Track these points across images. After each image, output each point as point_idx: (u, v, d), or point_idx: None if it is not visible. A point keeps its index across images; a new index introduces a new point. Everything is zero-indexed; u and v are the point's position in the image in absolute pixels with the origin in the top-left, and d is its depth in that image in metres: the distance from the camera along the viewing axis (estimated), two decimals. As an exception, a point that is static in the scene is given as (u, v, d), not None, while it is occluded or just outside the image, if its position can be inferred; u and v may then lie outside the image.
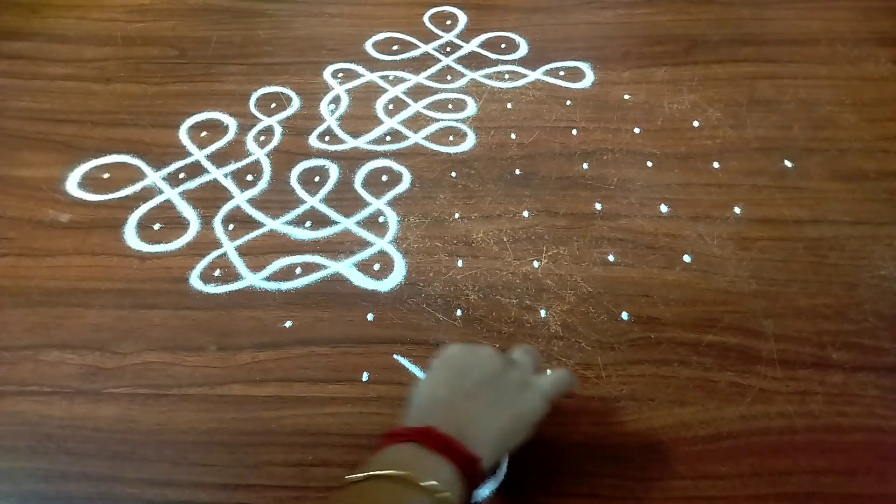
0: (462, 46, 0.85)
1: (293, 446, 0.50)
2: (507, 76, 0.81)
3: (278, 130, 0.75)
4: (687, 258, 0.60)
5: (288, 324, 0.57)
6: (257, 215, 0.66)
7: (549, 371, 0.46)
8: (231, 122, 0.76)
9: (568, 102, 0.77)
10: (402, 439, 0.38)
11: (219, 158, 0.72)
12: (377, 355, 0.55)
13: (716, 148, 0.70)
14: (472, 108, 0.77)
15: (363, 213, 0.66)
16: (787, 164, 0.68)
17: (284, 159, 0.71)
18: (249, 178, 0.70)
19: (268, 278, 0.61)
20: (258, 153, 0.72)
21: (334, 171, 0.70)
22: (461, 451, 0.37)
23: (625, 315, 0.57)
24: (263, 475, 0.48)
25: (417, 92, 0.79)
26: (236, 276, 0.61)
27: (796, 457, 0.48)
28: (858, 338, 0.54)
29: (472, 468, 0.37)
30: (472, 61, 0.83)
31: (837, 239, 0.61)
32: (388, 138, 0.73)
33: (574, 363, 0.54)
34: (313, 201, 0.67)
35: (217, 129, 0.75)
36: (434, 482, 0.35)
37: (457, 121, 0.75)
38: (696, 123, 0.73)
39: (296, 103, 0.78)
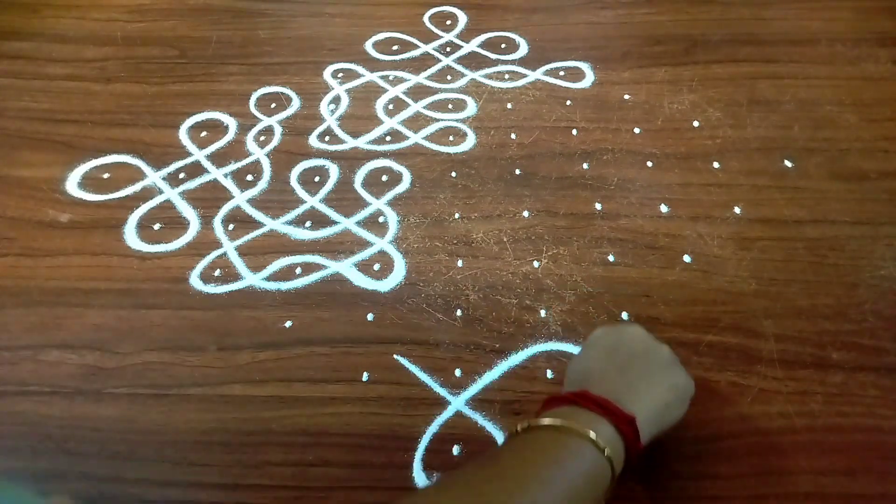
0: (462, 46, 0.85)
1: (293, 446, 0.50)
2: (507, 76, 0.81)
3: (278, 130, 0.75)
4: (687, 258, 0.60)
5: (288, 324, 0.57)
6: (257, 215, 0.66)
7: None
8: (231, 122, 0.76)
9: (568, 102, 0.77)
10: (559, 403, 0.39)
11: (219, 158, 0.72)
12: (377, 355, 0.55)
13: (716, 148, 0.70)
14: (472, 108, 0.77)
15: (363, 213, 0.66)
16: (787, 164, 0.68)
17: (284, 159, 0.71)
18: (249, 178, 0.70)
19: (268, 278, 0.61)
20: (258, 153, 0.72)
21: (334, 171, 0.70)
22: (617, 411, 0.38)
23: (625, 315, 0.57)
24: (263, 475, 0.48)
25: (417, 92, 0.79)
26: (236, 276, 0.61)
27: (796, 457, 0.48)
28: (858, 338, 0.54)
29: (629, 427, 0.38)
30: (472, 61, 0.83)
31: (837, 239, 0.61)
32: (388, 138, 0.73)
33: (574, 363, 0.54)
34: (313, 201, 0.67)
35: (217, 129, 0.75)
36: (593, 434, 0.36)
37: (457, 121, 0.75)
38: (696, 123, 0.73)
39: (296, 103, 0.78)
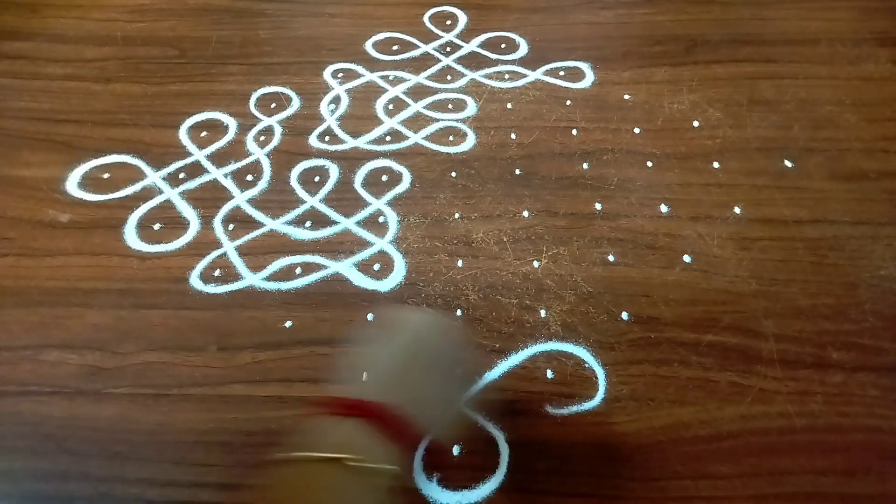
0: (462, 46, 0.85)
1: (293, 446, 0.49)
2: (507, 76, 0.81)
3: (278, 130, 0.75)
4: (687, 258, 0.60)
5: (288, 324, 0.57)
6: (257, 215, 0.66)
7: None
8: (231, 122, 0.76)
9: (568, 102, 0.77)
10: (354, 413, 0.36)
11: (219, 158, 0.72)
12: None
13: (716, 148, 0.70)
14: (472, 108, 0.77)
15: (363, 213, 0.66)
16: (787, 164, 0.68)
17: (284, 159, 0.71)
18: (249, 178, 0.70)
19: (268, 278, 0.61)
20: (258, 153, 0.72)
21: (334, 171, 0.70)
22: (404, 429, 0.36)
23: (625, 315, 0.57)
24: (263, 475, 0.48)
25: (417, 92, 0.79)
26: (236, 276, 0.61)
27: (796, 457, 0.48)
28: (858, 338, 0.54)
29: (411, 444, 0.37)
30: (472, 61, 0.83)
31: (837, 239, 0.61)
32: (388, 138, 0.73)
33: (574, 363, 0.54)
34: (313, 201, 0.67)
35: (217, 129, 0.75)
36: (372, 464, 0.34)
37: (457, 121, 0.75)
38: (696, 123, 0.73)
39: (296, 103, 0.78)
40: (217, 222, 0.65)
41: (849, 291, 0.57)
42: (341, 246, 0.63)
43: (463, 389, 0.42)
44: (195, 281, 0.60)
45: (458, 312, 0.57)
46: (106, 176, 0.70)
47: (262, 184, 0.69)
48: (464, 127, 0.74)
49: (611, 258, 0.61)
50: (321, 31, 0.88)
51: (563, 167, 0.69)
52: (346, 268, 0.61)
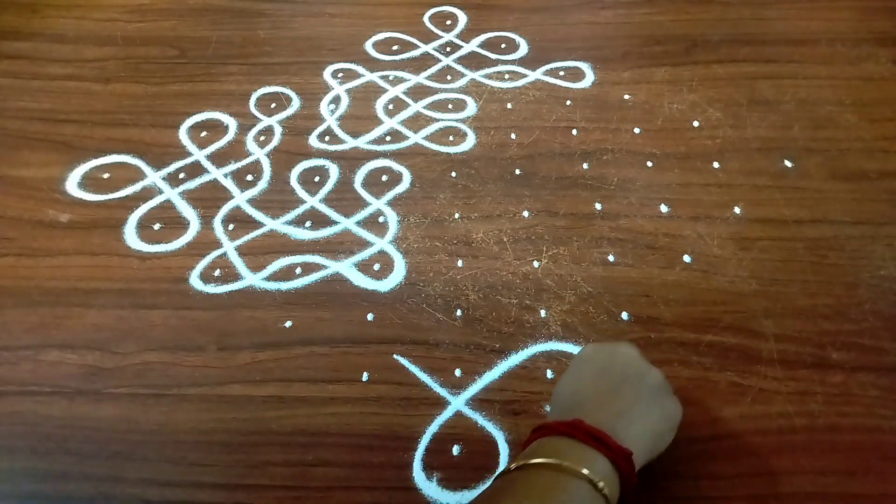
0: (462, 46, 0.85)
1: (293, 446, 0.50)
2: (507, 76, 0.81)
3: (278, 130, 0.75)
4: (687, 258, 0.60)
5: (288, 324, 0.57)
6: (257, 215, 0.66)
7: None
8: (231, 122, 0.76)
9: (568, 102, 0.77)
10: (551, 433, 0.37)
11: (219, 158, 0.72)
12: (377, 355, 0.55)
13: (716, 148, 0.70)
14: (472, 108, 0.77)
15: (363, 213, 0.66)
16: (787, 164, 0.68)
17: (284, 159, 0.71)
18: (249, 178, 0.70)
19: (268, 278, 0.61)
20: (258, 153, 0.72)
21: (334, 171, 0.70)
22: (614, 445, 0.36)
23: (625, 315, 0.57)
24: (263, 475, 0.48)
25: (417, 92, 0.79)
26: (236, 276, 0.61)
27: (796, 457, 0.48)
28: (858, 338, 0.54)
29: (625, 463, 0.36)
30: (472, 61, 0.83)
31: (837, 239, 0.61)
32: (388, 138, 0.73)
33: (574, 363, 0.54)
34: (313, 201, 0.67)
35: (217, 129, 0.75)
36: (588, 471, 0.34)
37: (457, 121, 0.75)
38: (696, 123, 0.73)
39: (296, 103, 0.78)
40: (217, 222, 0.65)
41: (849, 291, 0.57)
42: (341, 246, 0.63)
43: (667, 417, 0.42)
44: (195, 281, 0.60)
45: (458, 312, 0.57)
46: (106, 176, 0.70)
47: (262, 184, 0.69)
48: (464, 127, 0.74)
49: (611, 258, 0.61)
50: (321, 31, 0.88)
51: (563, 167, 0.69)
52: (346, 268, 0.61)
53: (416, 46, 0.85)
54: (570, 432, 0.37)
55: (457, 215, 0.65)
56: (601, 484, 0.34)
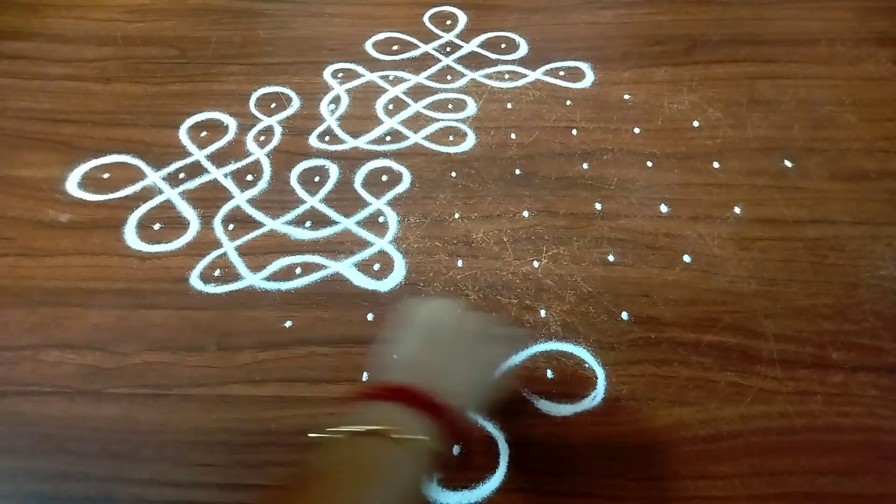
0: (462, 46, 0.85)
1: (293, 446, 0.50)
2: (507, 76, 0.81)
3: (278, 130, 0.75)
4: (687, 258, 0.61)
5: (288, 324, 0.57)
6: (257, 215, 0.66)
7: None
8: (231, 122, 0.76)
9: (568, 102, 0.77)
10: (378, 397, 0.38)
11: (219, 158, 0.72)
12: (377, 355, 0.55)
13: (716, 148, 0.70)
14: (472, 108, 0.77)
15: (363, 213, 0.66)
16: (787, 164, 0.68)
17: (284, 159, 0.71)
18: (249, 178, 0.70)
19: (268, 278, 0.61)
20: (258, 153, 0.72)
21: (334, 171, 0.70)
22: (433, 403, 0.37)
23: (625, 315, 0.57)
24: (263, 475, 0.48)
25: (417, 92, 0.79)
26: (236, 276, 0.61)
27: (796, 457, 0.48)
28: (858, 338, 0.54)
29: (444, 417, 0.37)
30: (472, 61, 0.83)
31: (837, 239, 0.61)
32: (388, 138, 0.73)
33: (574, 363, 0.54)
34: (313, 201, 0.67)
35: (217, 129, 0.75)
36: (408, 435, 0.34)
37: (457, 121, 0.75)
38: (696, 123, 0.73)
39: (296, 103, 0.78)
40: (217, 222, 0.65)
41: (849, 291, 0.57)
42: (341, 246, 0.63)
43: (490, 363, 0.43)
44: (195, 281, 0.60)
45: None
46: (106, 176, 0.70)
47: (262, 184, 0.69)
48: (464, 127, 0.74)
49: (611, 258, 0.61)
50: (321, 31, 0.88)
51: (563, 167, 0.69)
52: (346, 268, 0.61)
53: (416, 46, 0.85)
54: (397, 398, 0.37)
55: (457, 215, 0.65)
56: (421, 438, 0.35)
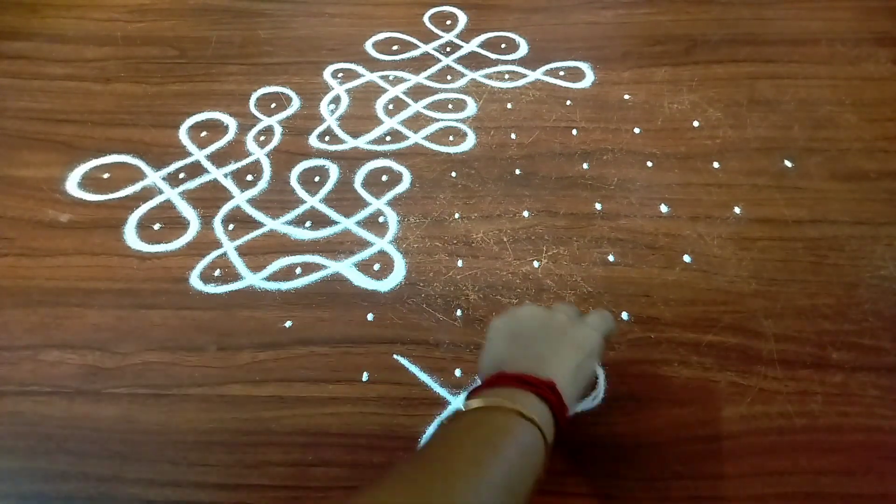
0: (462, 46, 0.85)
1: (293, 446, 0.50)
2: (507, 76, 0.81)
3: (278, 130, 0.75)
4: (687, 258, 0.60)
5: (288, 324, 0.57)
6: (257, 215, 0.66)
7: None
8: (231, 122, 0.76)
9: (568, 102, 0.77)
10: (478, 393, 0.40)
11: (219, 158, 0.72)
12: (377, 355, 0.55)
13: (716, 148, 0.70)
14: (472, 108, 0.77)
15: (363, 213, 0.66)
16: (787, 164, 0.68)
17: (284, 159, 0.71)
18: (249, 178, 0.70)
19: (268, 278, 0.61)
20: (258, 153, 0.72)
21: (334, 171, 0.70)
22: (535, 380, 0.39)
23: (625, 315, 0.57)
24: (263, 475, 0.48)
25: (417, 92, 0.79)
26: (236, 276, 0.61)
27: (796, 457, 0.48)
28: (858, 338, 0.54)
29: (551, 393, 0.39)
30: (472, 61, 0.83)
31: (837, 239, 0.61)
32: (388, 138, 0.73)
33: (574, 363, 0.54)
34: (313, 201, 0.67)
35: (217, 129, 0.75)
36: (519, 406, 0.36)
37: (457, 121, 0.75)
38: (696, 123, 0.73)
39: (296, 103, 0.78)
40: (217, 222, 0.65)
41: (849, 291, 0.57)
42: (341, 246, 0.63)
43: (580, 347, 0.44)
44: (195, 281, 0.60)
45: (458, 312, 0.57)
46: (106, 176, 0.70)
47: (262, 184, 0.69)
48: (464, 127, 0.74)
49: (611, 258, 0.61)
50: (321, 31, 0.88)
51: (563, 167, 0.69)
52: (346, 268, 0.61)
53: (416, 46, 0.85)
54: (496, 382, 0.40)
55: (457, 215, 0.65)
56: (531, 416, 0.36)
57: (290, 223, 0.65)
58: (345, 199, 0.67)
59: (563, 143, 0.72)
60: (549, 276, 0.60)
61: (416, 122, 0.75)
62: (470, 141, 0.73)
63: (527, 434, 0.36)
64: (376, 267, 0.61)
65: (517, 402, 0.37)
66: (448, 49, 0.85)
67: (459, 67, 0.82)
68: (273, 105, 0.78)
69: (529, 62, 0.82)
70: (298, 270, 0.61)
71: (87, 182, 0.70)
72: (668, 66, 0.80)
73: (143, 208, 0.67)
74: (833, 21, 0.86)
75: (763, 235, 0.62)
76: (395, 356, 0.54)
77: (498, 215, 0.65)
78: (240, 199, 0.68)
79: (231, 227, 0.65)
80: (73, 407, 0.52)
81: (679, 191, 0.66)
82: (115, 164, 0.71)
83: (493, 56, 0.83)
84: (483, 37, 0.86)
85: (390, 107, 0.77)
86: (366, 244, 0.63)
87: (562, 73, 0.81)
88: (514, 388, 0.39)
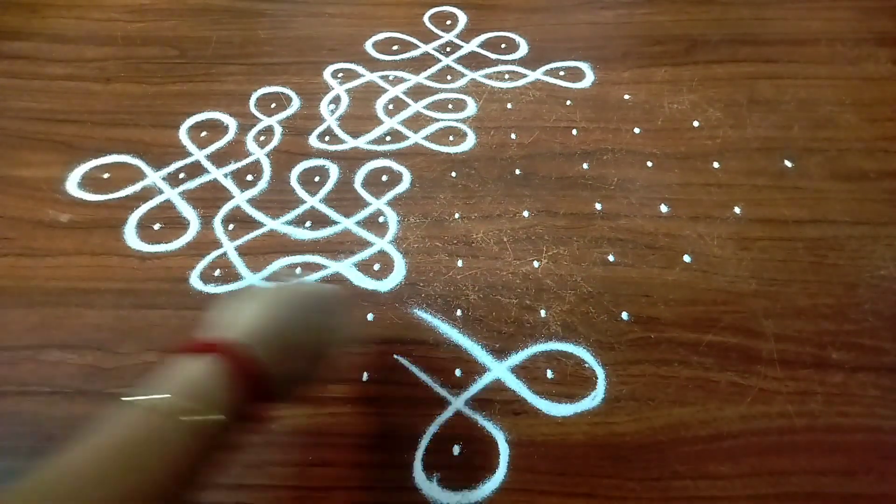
0: (462, 46, 0.85)
1: (293, 446, 0.50)
2: (507, 76, 0.81)
3: (278, 130, 0.75)
4: (687, 258, 0.61)
5: (288, 324, 0.57)
6: (257, 215, 0.66)
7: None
8: (231, 122, 0.76)
9: (568, 102, 0.77)
10: (192, 350, 0.37)
11: (219, 158, 0.72)
12: (377, 355, 0.55)
13: (716, 148, 0.70)
14: (472, 108, 0.77)
15: (363, 213, 0.66)
16: (787, 164, 0.68)
17: (284, 159, 0.71)
18: (249, 178, 0.70)
19: (268, 278, 0.61)
20: (258, 153, 0.72)
21: (334, 171, 0.70)
22: (259, 377, 0.36)
23: (625, 315, 0.57)
24: (263, 475, 0.48)
25: (417, 92, 0.79)
26: (236, 276, 0.61)
27: (796, 457, 0.48)
28: (858, 338, 0.54)
29: (252, 374, 0.36)
30: (472, 61, 0.83)
31: (837, 239, 0.61)
32: (388, 138, 0.73)
33: (574, 363, 0.54)
34: (313, 201, 0.67)
35: (217, 129, 0.75)
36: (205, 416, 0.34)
37: (457, 121, 0.75)
38: (696, 123, 0.73)
39: (296, 103, 0.78)
40: (217, 222, 0.65)
41: (849, 291, 0.57)
42: (341, 246, 0.63)
43: (322, 350, 0.42)
44: (195, 281, 0.60)
45: (458, 312, 0.57)
46: (106, 176, 0.70)
47: (262, 184, 0.69)
48: (464, 127, 0.74)
49: (611, 258, 0.61)
50: (321, 31, 0.88)
51: (563, 167, 0.69)
52: (346, 268, 0.61)
53: (416, 46, 0.85)
54: (193, 348, 0.37)
55: (457, 215, 0.65)
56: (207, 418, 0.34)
57: (290, 223, 0.65)
58: (345, 199, 0.67)
59: (563, 143, 0.72)
60: (549, 276, 0.60)
61: (416, 122, 0.75)
62: (470, 141, 0.73)
63: (180, 438, 0.33)
64: (376, 267, 0.61)
65: (174, 384, 0.34)
66: (448, 49, 0.85)
67: (459, 67, 0.82)
68: (273, 105, 0.78)
69: (529, 62, 0.82)
70: (298, 270, 0.61)
71: (87, 182, 0.70)
72: (668, 66, 0.81)
73: (143, 208, 0.67)
74: (833, 21, 0.86)
75: (763, 235, 0.62)
76: (395, 356, 0.54)
77: (498, 215, 0.65)
78: (240, 199, 0.68)
79: (231, 227, 0.65)
80: (73, 407, 0.52)
81: (679, 191, 0.66)
82: (115, 164, 0.71)
83: (493, 56, 0.83)
84: (483, 37, 0.86)
85: (390, 107, 0.77)
86: (366, 244, 0.63)
87: (562, 73, 0.81)
88: (190, 357, 0.36)
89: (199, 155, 0.72)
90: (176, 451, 0.33)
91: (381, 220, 0.65)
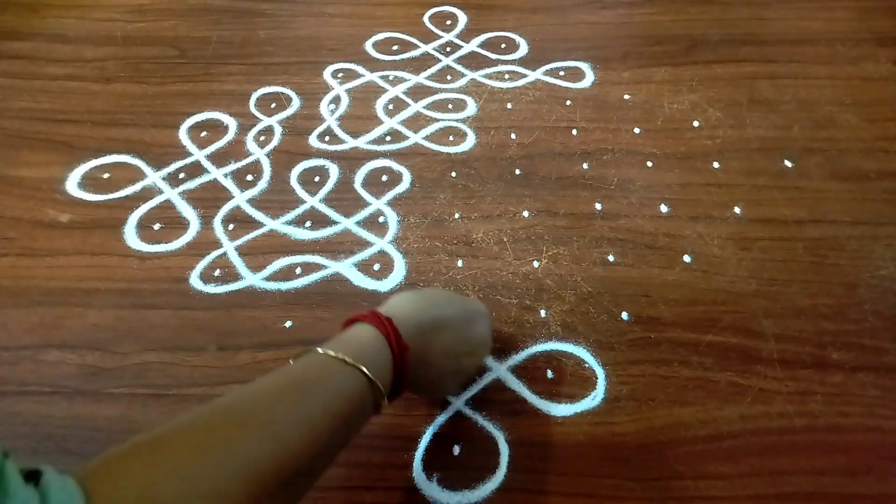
0: (462, 46, 0.85)
1: (293, 446, 0.49)
2: (507, 76, 0.81)
3: (278, 130, 0.75)
4: (687, 258, 0.60)
5: (288, 324, 0.57)
6: (257, 215, 0.66)
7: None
8: (231, 122, 0.76)
9: (568, 102, 0.77)
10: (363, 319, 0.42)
11: (219, 158, 0.72)
12: (377, 355, 0.55)
13: (716, 148, 0.70)
14: (472, 108, 0.77)
15: (363, 213, 0.66)
16: (787, 164, 0.68)
17: (284, 159, 0.71)
18: (249, 178, 0.70)
19: (268, 278, 0.61)
20: (258, 153, 0.72)
21: (334, 171, 0.70)
22: (374, 314, 0.42)
23: (625, 315, 0.57)
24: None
25: (417, 92, 0.79)
26: (236, 276, 0.61)
27: (796, 457, 0.48)
28: (858, 338, 0.54)
29: (384, 326, 0.41)
30: (472, 61, 0.83)
31: (837, 239, 0.61)
32: (388, 138, 0.73)
33: (574, 363, 0.54)
34: (313, 201, 0.67)
35: (217, 129, 0.75)
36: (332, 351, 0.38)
37: (457, 121, 0.75)
38: (696, 123, 0.73)
39: (296, 103, 0.78)
40: (217, 222, 0.65)
41: (849, 291, 0.57)
42: (341, 246, 0.63)
43: (470, 365, 0.48)
44: (195, 281, 0.60)
45: (458, 312, 0.57)
46: (106, 176, 0.70)
47: (262, 184, 0.69)
48: (464, 127, 0.74)
49: (611, 258, 0.61)
50: (321, 31, 0.88)
51: (563, 167, 0.69)
52: (346, 268, 0.61)
53: (416, 46, 0.85)
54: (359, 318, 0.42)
55: (457, 215, 0.65)
56: (343, 356, 0.38)
57: (290, 223, 0.65)
58: (345, 199, 0.67)
59: (563, 143, 0.72)
60: (549, 276, 0.60)
61: (416, 122, 0.75)
62: (470, 141, 0.73)
63: (343, 376, 0.37)
64: (376, 267, 0.61)
65: (349, 345, 0.39)
66: (448, 49, 0.85)
67: (459, 67, 0.82)
68: (273, 105, 0.78)
69: (529, 62, 0.82)
70: (298, 270, 0.61)
71: (87, 182, 0.70)
72: (668, 66, 0.81)
73: (143, 208, 0.67)
74: (833, 21, 0.86)
75: (763, 235, 0.62)
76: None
77: (498, 215, 0.65)
78: (240, 199, 0.68)
79: (231, 227, 0.65)
80: (73, 407, 0.52)
81: (679, 191, 0.66)
82: (115, 164, 0.71)
83: (493, 56, 0.83)
84: (483, 37, 0.86)
85: (390, 107, 0.77)
86: (366, 244, 0.63)
87: (562, 73, 0.81)
88: (362, 324, 0.41)
89: (199, 155, 0.72)
90: (343, 391, 0.37)
91: (381, 220, 0.65)
